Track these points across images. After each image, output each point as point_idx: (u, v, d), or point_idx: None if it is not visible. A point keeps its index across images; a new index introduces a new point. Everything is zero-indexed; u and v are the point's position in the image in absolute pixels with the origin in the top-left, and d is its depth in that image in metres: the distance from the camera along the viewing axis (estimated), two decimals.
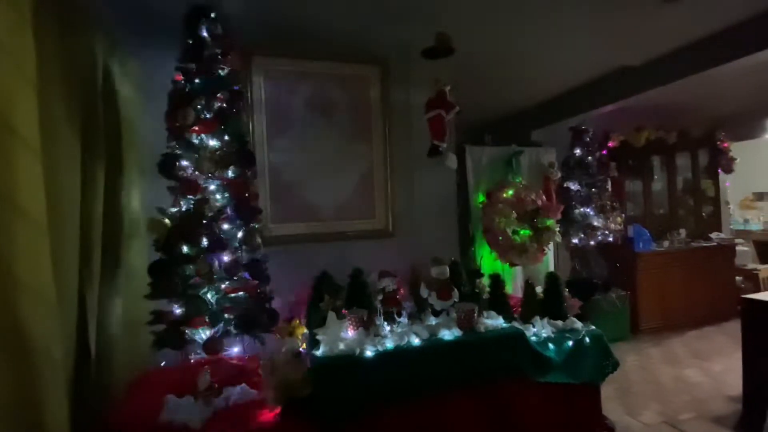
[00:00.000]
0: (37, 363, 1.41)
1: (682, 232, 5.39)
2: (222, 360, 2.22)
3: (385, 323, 2.43)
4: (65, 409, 1.56)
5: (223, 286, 2.17)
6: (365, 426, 2.15)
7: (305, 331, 2.55)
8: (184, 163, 2.16)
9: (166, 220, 2.12)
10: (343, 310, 2.43)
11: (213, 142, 2.22)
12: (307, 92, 3.12)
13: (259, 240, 2.32)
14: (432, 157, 3.08)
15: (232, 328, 2.16)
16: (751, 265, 5.69)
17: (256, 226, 2.34)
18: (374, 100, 3.30)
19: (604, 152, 5.05)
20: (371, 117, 3.30)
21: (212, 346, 2.09)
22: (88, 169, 1.93)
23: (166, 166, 2.14)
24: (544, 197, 3.88)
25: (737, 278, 5.40)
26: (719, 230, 5.70)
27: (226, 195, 2.24)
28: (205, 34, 2.23)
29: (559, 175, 4.30)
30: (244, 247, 2.26)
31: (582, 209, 4.66)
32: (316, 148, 3.14)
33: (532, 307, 2.76)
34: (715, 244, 5.39)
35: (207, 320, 2.09)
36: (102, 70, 2.14)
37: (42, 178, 1.46)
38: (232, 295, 2.18)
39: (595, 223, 4.65)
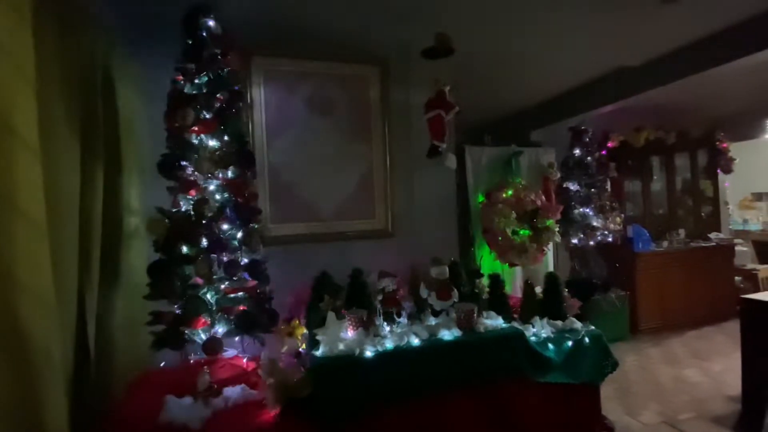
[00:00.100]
0: (36, 363, 1.41)
1: (682, 232, 5.39)
2: (221, 360, 2.22)
3: (385, 323, 2.42)
4: (65, 410, 1.56)
5: (222, 286, 2.18)
6: (365, 426, 2.15)
7: (305, 331, 2.55)
8: (184, 163, 2.16)
9: (166, 221, 2.12)
10: (343, 311, 2.43)
11: (212, 143, 2.22)
12: (306, 92, 3.12)
13: (258, 240, 2.32)
14: (431, 157, 3.08)
15: (231, 329, 2.17)
16: (750, 265, 5.71)
17: (256, 227, 2.34)
18: (374, 100, 3.30)
19: (603, 152, 5.05)
20: (371, 117, 3.30)
21: (212, 346, 2.09)
22: (88, 170, 1.93)
23: (166, 166, 2.14)
24: (543, 197, 3.88)
25: (736, 278, 5.41)
26: (718, 230, 5.70)
27: (226, 195, 2.24)
28: (204, 34, 2.23)
29: (559, 175, 4.30)
30: (243, 247, 2.26)
31: (581, 209, 4.67)
32: (316, 148, 3.14)
33: (532, 307, 2.76)
34: (714, 244, 5.39)
35: (206, 320, 2.09)
36: (101, 70, 2.14)
37: (41, 179, 1.46)
38: (232, 295, 2.18)
39: (595, 224, 4.65)
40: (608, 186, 4.93)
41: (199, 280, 2.11)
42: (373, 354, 2.18)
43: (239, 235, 2.26)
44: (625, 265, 4.92)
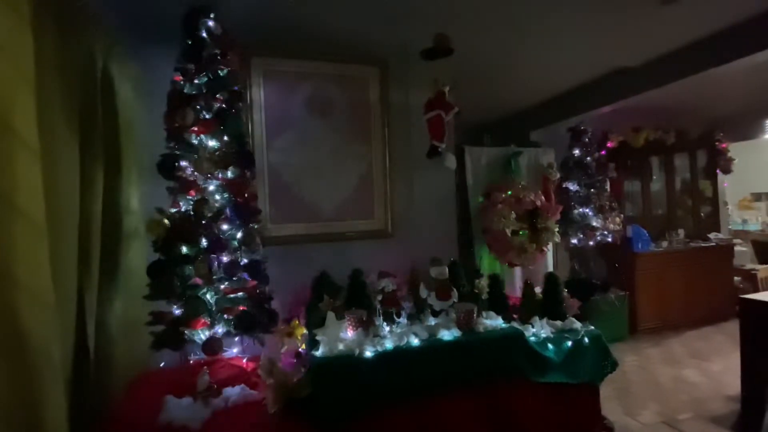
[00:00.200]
0: (36, 363, 1.41)
1: (681, 232, 5.39)
2: (221, 360, 2.22)
3: (385, 324, 2.43)
4: (64, 410, 1.55)
5: (222, 286, 2.18)
6: (365, 426, 2.15)
7: (305, 331, 2.55)
8: (184, 163, 2.16)
9: (165, 221, 2.12)
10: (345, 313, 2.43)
11: (212, 143, 2.22)
12: (306, 92, 3.13)
13: (258, 240, 2.32)
14: (431, 157, 3.08)
15: (231, 329, 2.17)
16: (749, 266, 5.70)
17: (255, 227, 2.34)
18: (373, 100, 3.31)
19: (602, 153, 5.04)
20: (370, 117, 3.30)
21: (211, 346, 2.09)
22: (87, 170, 1.93)
23: (166, 166, 2.14)
24: (543, 198, 3.88)
25: (735, 278, 5.40)
26: (718, 230, 5.70)
27: (226, 195, 2.24)
28: (204, 34, 2.23)
29: (558, 175, 4.30)
30: (243, 247, 2.26)
31: (581, 209, 4.67)
32: (316, 148, 3.14)
33: (531, 307, 2.76)
34: (713, 244, 5.39)
35: (206, 321, 2.09)
36: (101, 70, 2.14)
37: (41, 179, 1.46)
38: (232, 295, 2.18)
39: (594, 224, 4.65)
40: (607, 186, 4.93)
41: (199, 281, 2.11)
42: (372, 354, 2.18)
43: (239, 235, 2.26)
44: (625, 266, 4.92)
